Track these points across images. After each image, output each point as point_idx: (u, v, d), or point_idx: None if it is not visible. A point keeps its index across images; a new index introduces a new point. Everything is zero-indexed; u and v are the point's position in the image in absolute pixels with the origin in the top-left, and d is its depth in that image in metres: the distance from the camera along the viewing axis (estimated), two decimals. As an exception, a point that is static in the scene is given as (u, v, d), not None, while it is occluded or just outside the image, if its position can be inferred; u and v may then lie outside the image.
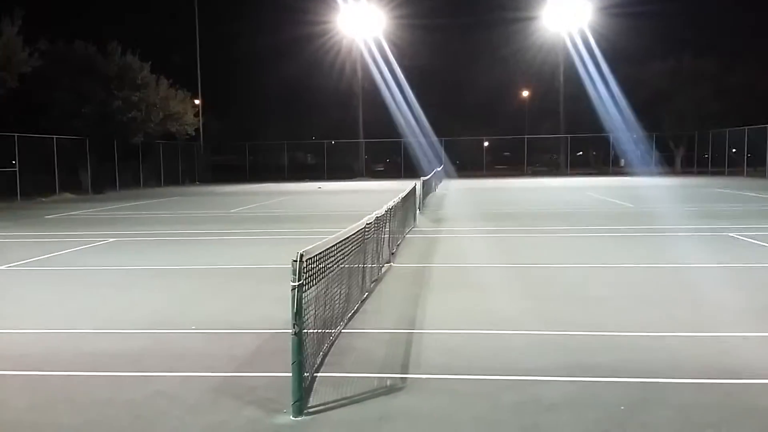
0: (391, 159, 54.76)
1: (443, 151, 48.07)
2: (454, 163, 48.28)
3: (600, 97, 45.69)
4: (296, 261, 4.33)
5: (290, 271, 4.31)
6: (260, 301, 7.68)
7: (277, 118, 56.57)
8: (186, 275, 9.51)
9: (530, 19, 48.85)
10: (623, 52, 46.26)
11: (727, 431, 4.01)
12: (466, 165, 51.28)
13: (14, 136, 27.56)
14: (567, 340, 5.86)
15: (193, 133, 42.77)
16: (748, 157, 40.13)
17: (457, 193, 27.34)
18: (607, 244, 12.17)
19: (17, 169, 27.96)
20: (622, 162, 49.41)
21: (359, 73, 50.84)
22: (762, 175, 37.11)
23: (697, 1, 50.43)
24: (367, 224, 7.51)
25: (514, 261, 10.21)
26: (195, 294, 8.24)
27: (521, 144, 50.59)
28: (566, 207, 20.30)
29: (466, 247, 11.97)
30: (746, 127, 39.16)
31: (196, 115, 43.34)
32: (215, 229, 15.50)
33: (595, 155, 58.87)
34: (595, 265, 9.81)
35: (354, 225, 6.75)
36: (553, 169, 51.48)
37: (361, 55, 50.05)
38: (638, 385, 4.73)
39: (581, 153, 58.81)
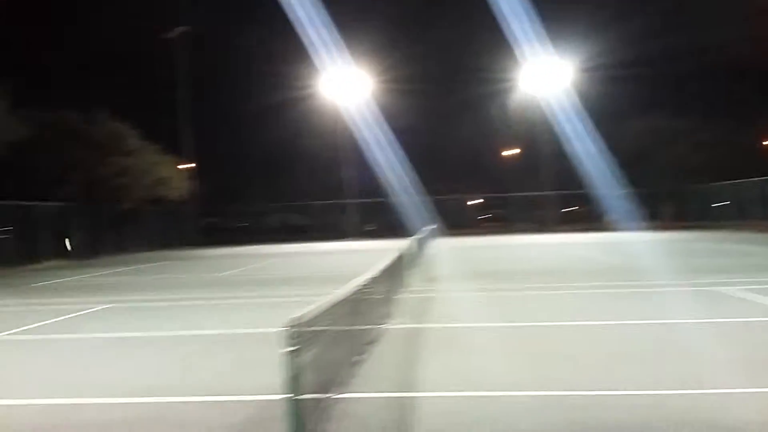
0: (382, 218, 54.84)
1: (432, 210, 48.23)
2: (442, 221, 48.38)
3: (583, 153, 46.21)
4: (290, 325, 4.32)
5: (283, 336, 4.29)
6: (255, 368, 7.58)
7: (266, 179, 57.10)
8: (178, 342, 9.39)
9: (509, 80, 50.05)
10: (603, 110, 47.11)
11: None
12: (455, 223, 51.35)
13: (6, 204, 27.59)
14: (564, 400, 5.82)
15: (182, 197, 42.89)
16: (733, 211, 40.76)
17: (448, 251, 27.39)
18: (595, 300, 12.18)
19: (6, 236, 27.89)
20: (611, 217, 49.66)
21: (345, 135, 51.50)
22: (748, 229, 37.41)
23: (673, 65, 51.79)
24: (361, 285, 7.51)
25: (509, 320, 10.18)
26: (188, 361, 8.13)
27: (508, 201, 51.12)
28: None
29: (458, 307, 11.93)
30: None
31: (185, 178, 43.59)
32: (206, 293, 15.38)
33: (582, 210, 59.22)
34: (594, 322, 9.80)
35: (347, 286, 6.74)
36: (540, 225, 51.76)
37: (347, 118, 50.78)
38: None
39: (571, 209, 59.10)
